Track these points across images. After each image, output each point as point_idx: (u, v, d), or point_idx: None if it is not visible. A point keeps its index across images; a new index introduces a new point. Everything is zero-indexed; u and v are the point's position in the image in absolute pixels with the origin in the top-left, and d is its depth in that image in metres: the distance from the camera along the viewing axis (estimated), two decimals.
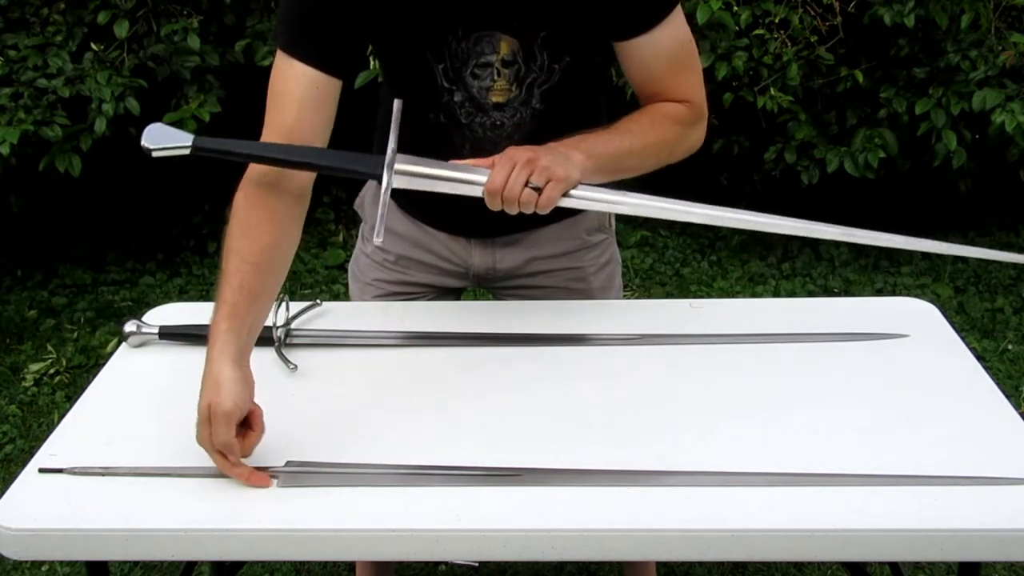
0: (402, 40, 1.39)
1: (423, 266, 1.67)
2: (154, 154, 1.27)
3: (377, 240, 1.26)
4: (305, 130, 1.33)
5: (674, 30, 1.40)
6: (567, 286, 1.67)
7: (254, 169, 1.33)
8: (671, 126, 1.43)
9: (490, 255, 1.64)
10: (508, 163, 1.26)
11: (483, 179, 1.28)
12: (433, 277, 1.68)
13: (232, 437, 1.16)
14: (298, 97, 1.33)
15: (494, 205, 1.28)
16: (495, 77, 1.40)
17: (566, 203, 1.30)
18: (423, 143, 1.44)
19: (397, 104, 1.29)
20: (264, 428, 1.21)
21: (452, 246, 1.65)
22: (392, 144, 1.28)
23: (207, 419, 1.17)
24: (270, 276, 1.29)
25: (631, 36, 1.38)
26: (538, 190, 1.26)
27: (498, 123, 1.45)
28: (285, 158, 1.30)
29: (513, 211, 1.28)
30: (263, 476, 1.18)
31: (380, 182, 1.29)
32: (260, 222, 1.29)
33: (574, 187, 1.30)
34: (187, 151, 1.27)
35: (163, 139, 1.28)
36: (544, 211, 1.28)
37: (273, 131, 1.34)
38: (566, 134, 1.39)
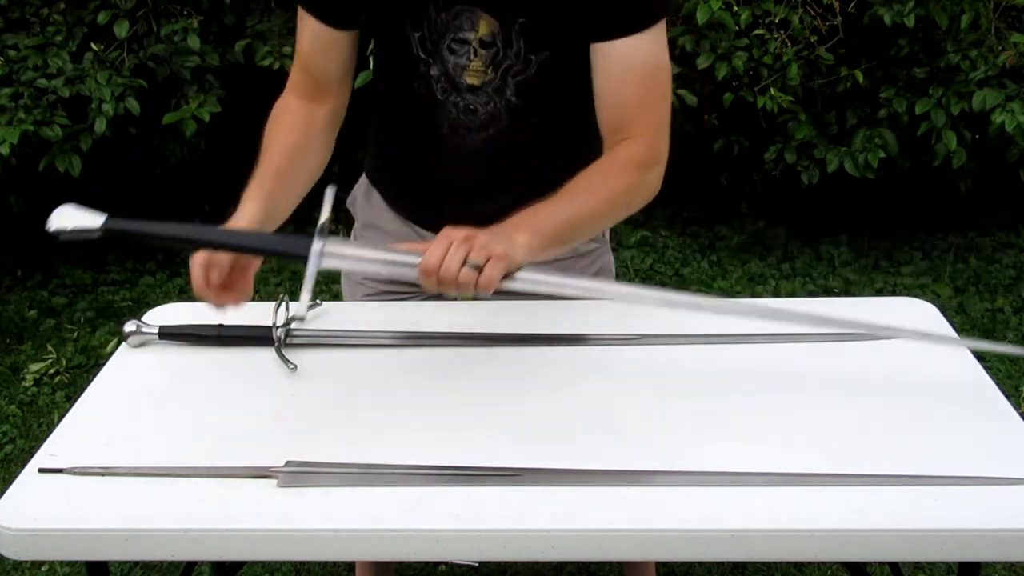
0: (385, 4, 1.40)
1: None
2: (61, 237, 1.21)
3: (301, 312, 1.22)
4: (317, 70, 1.48)
5: (653, 48, 1.38)
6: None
7: (293, 82, 1.49)
8: (627, 173, 1.38)
9: None
10: (444, 241, 1.20)
11: (416, 260, 1.20)
12: None
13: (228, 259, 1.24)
14: (308, 43, 1.48)
15: (430, 286, 1.20)
16: (471, 56, 1.40)
17: (510, 286, 1.22)
18: (406, 120, 1.47)
19: (330, 191, 1.27)
20: (251, 288, 1.28)
21: None
22: (322, 223, 1.24)
23: None
24: (299, 165, 1.42)
25: (609, 37, 1.36)
26: (478, 268, 1.18)
27: (472, 108, 1.45)
28: (199, 239, 1.24)
29: (451, 292, 1.22)
30: (230, 300, 1.26)
31: (306, 265, 1.24)
32: (293, 125, 1.45)
33: (518, 269, 1.22)
34: (96, 234, 1.21)
35: (70, 220, 1.20)
36: (486, 292, 1.19)
37: (296, 69, 1.50)
38: (544, 137, 1.38)
